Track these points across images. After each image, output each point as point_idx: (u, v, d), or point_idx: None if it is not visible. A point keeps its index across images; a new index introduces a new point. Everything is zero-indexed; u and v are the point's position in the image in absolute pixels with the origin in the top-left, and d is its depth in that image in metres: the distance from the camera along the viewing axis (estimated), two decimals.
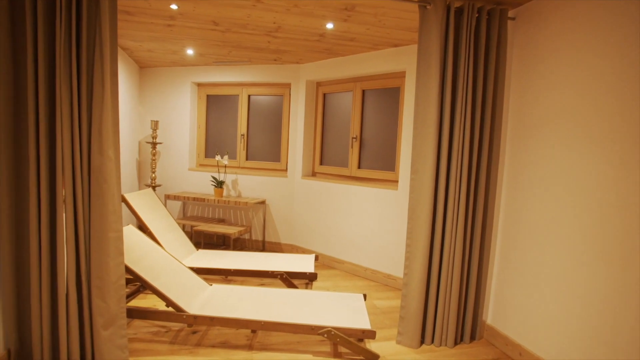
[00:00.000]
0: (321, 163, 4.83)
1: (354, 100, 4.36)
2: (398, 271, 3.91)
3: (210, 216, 5.27)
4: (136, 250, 2.82)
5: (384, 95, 4.15)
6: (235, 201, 4.64)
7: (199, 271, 3.34)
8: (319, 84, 4.78)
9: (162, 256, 2.98)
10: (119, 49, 4.42)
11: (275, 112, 5.09)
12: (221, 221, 5.12)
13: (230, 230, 4.44)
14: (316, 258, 3.82)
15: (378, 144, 4.21)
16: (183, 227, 5.35)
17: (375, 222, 4.07)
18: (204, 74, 5.14)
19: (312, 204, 4.68)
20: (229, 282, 3.82)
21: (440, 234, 2.67)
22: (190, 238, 5.32)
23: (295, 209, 4.90)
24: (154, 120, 5.10)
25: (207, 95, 5.36)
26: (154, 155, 5.18)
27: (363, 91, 4.30)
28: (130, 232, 2.97)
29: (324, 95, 4.75)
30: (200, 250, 3.90)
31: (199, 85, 5.34)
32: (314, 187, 4.65)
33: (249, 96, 5.15)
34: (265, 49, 4.15)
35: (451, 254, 2.68)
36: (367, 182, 4.25)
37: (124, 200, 3.38)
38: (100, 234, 2.19)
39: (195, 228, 4.52)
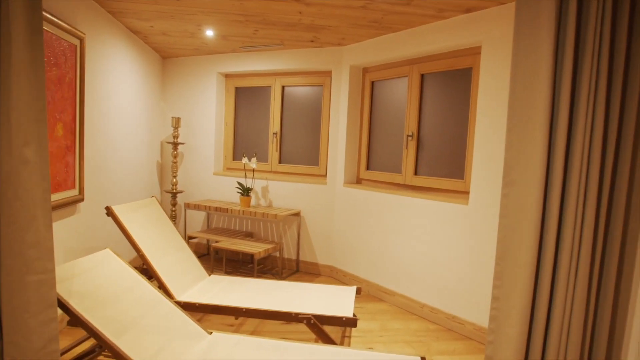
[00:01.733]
0: (368, 168, 3.92)
1: (409, 88, 3.42)
2: (465, 313, 2.92)
3: (237, 229, 4.51)
4: (106, 288, 2.06)
5: (450, 80, 3.18)
6: (263, 213, 3.84)
7: (201, 309, 2.55)
8: (365, 70, 3.87)
9: (144, 293, 2.21)
10: (132, 35, 3.77)
11: (314, 106, 4.25)
12: (249, 235, 4.34)
13: (255, 249, 3.63)
14: (358, 291, 2.92)
15: (441, 144, 3.24)
16: (207, 242, 4.64)
17: (436, 245, 3.10)
18: (232, 63, 4.39)
19: (356, 218, 3.78)
20: (239, 326, 3.00)
21: (548, 284, 1.68)
22: (216, 254, 4.60)
23: (335, 224, 4.02)
24: (175, 117, 4.43)
25: (236, 88, 4.61)
26: (175, 157, 4.50)
27: (422, 76, 3.35)
28: (103, 260, 2.22)
29: (372, 83, 3.84)
30: (213, 276, 3.12)
31: (227, 76, 4.61)
32: (358, 197, 3.75)
33: (282, 87, 4.35)
34: (298, 25, 3.31)
35: (566, 315, 1.69)
36: (426, 192, 3.29)
37: (110, 213, 2.66)
38: (13, 277, 1.42)
39: (214, 245, 3.76)
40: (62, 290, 1.83)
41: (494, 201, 2.72)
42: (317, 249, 4.13)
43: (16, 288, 1.42)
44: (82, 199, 2.88)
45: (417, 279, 3.25)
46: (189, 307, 2.56)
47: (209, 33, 3.66)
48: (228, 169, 4.69)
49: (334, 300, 2.73)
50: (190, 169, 4.72)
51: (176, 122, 4.45)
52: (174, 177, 4.52)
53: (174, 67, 4.67)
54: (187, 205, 4.24)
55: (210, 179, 4.59)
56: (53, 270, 1.51)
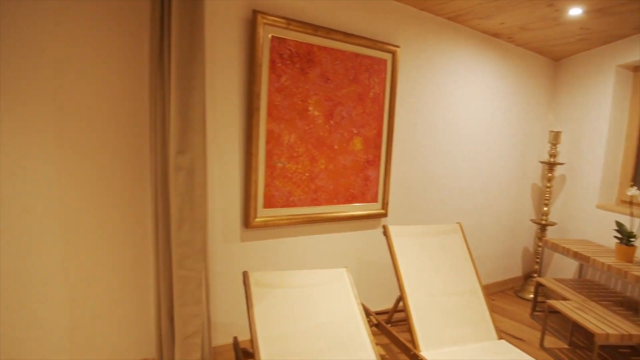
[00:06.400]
0: None
1: None
2: None
3: (618, 290, 3.08)
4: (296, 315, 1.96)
5: None
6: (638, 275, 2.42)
7: None
8: None
9: (337, 330, 1.94)
10: (491, 38, 3.34)
11: None
12: (630, 305, 2.86)
13: (603, 327, 2.35)
14: None
15: None
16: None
17: None
18: (635, 47, 3.02)
19: None
20: None
21: None
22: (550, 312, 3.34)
23: None
24: (554, 131, 3.55)
25: None
26: (549, 180, 3.63)
27: None
28: (335, 278, 2.12)
29: None
30: (503, 343, 2.30)
31: (636, 69, 3.21)
32: None
33: None
34: None
35: None
36: None
37: (385, 233, 2.49)
38: (166, 270, 1.63)
39: (550, 301, 2.75)
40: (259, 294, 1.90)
41: None
42: None
43: (169, 280, 1.63)
44: (385, 215, 2.86)
45: None
46: None
47: (575, 12, 2.68)
48: (622, 201, 3.28)
49: None
50: (569, 196, 3.66)
51: (554, 137, 3.56)
52: (545, 205, 3.65)
53: (565, 69, 3.75)
54: (545, 243, 3.31)
55: (592, 213, 3.37)
56: (201, 270, 1.61)
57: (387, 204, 2.85)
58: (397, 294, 2.95)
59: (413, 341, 2.17)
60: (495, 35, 3.31)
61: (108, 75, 1.86)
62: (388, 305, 2.97)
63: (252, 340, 1.75)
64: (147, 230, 2.02)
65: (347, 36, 2.46)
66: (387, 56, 2.71)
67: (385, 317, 2.74)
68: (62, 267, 1.85)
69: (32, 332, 1.81)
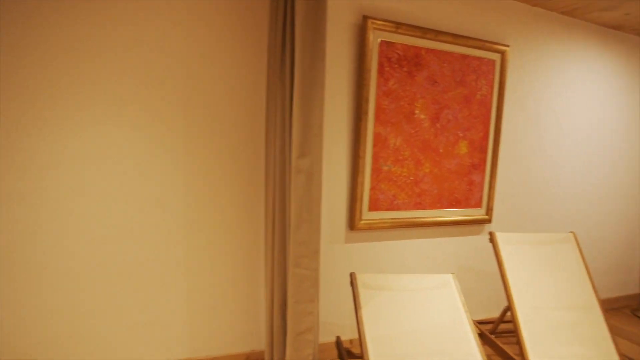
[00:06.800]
0: None
1: None
2: None
3: None
4: (399, 320, 1.96)
5: None
6: None
7: None
8: None
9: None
10: (616, 32, 3.06)
11: None
12: None
13: None
14: None
15: None
16: None
17: None
18: None
19: None
20: None
21: None
22: None
23: None
24: None
25: None
26: None
27: None
28: (440, 285, 2.09)
29: None
30: None
31: None
32: None
33: None
34: None
35: None
36: None
37: (492, 240, 2.39)
38: (281, 268, 1.72)
39: None
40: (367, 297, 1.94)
41: None
42: None
43: (283, 277, 1.71)
44: (489, 221, 2.75)
45: None
46: None
47: None
48: None
49: None
50: None
51: None
52: None
53: None
54: None
55: None
56: (316, 269, 1.67)
57: (491, 209, 2.74)
58: (499, 303, 2.84)
59: (522, 355, 2.07)
60: (617, 27, 3.02)
61: (230, 82, 2.01)
62: (488, 314, 2.86)
63: (360, 340, 1.79)
64: (260, 229, 2.15)
65: (456, 37, 2.40)
66: (496, 56, 2.60)
67: (488, 327, 2.64)
68: (185, 260, 2.03)
69: (152, 317, 2.01)
